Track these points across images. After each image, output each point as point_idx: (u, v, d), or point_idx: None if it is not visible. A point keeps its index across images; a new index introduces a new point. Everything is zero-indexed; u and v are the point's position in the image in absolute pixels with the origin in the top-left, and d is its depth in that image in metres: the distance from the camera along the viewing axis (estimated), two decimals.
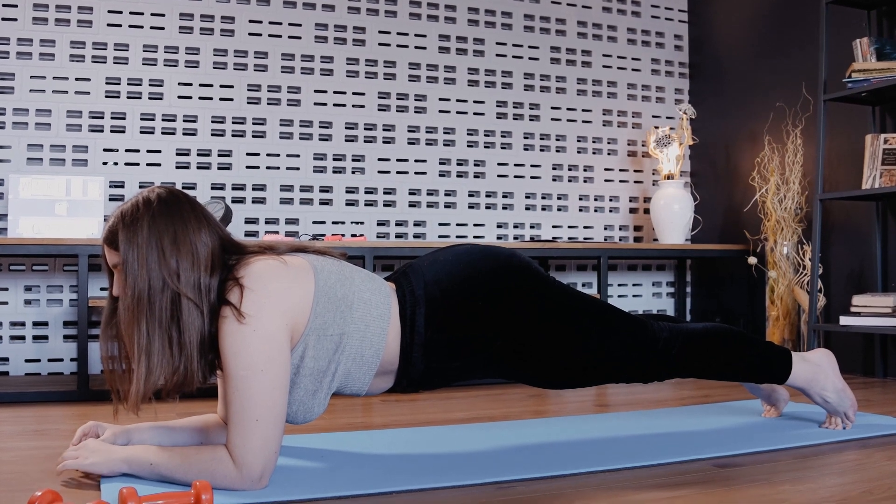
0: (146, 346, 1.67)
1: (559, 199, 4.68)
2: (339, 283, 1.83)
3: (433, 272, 1.96)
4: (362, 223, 4.28)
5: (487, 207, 4.53)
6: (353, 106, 4.29)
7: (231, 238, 1.83)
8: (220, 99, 4.06)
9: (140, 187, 3.91)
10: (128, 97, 3.92)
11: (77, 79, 3.84)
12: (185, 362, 1.70)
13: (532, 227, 4.62)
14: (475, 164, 4.51)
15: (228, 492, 1.66)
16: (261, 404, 1.66)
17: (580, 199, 4.73)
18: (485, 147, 4.54)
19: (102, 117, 3.87)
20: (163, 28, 3.98)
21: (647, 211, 4.87)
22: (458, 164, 4.48)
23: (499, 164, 4.56)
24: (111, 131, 3.88)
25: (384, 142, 4.34)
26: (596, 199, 4.77)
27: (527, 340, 1.98)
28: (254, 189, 4.10)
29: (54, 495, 1.50)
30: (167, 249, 1.70)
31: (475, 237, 4.48)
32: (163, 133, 3.97)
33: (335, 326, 1.80)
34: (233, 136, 4.08)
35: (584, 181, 4.75)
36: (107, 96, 3.89)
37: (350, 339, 1.82)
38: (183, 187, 3.98)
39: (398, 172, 4.36)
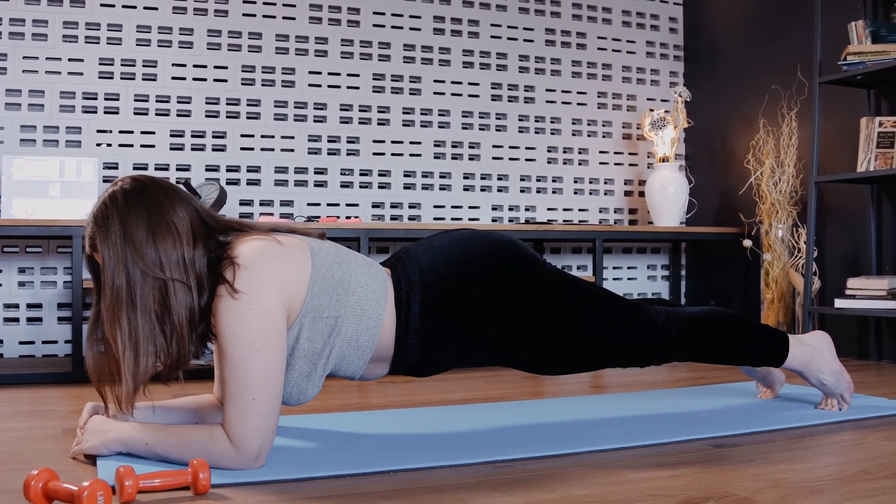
0: (132, 337, 1.66)
1: (554, 181, 4.68)
2: (336, 265, 1.83)
3: (429, 258, 1.95)
4: (357, 205, 4.27)
5: (482, 190, 4.52)
6: (348, 87, 4.27)
7: (208, 211, 1.82)
8: (215, 80, 4.04)
9: (134, 169, 3.89)
10: (121, 78, 3.90)
11: (70, 59, 3.82)
12: (176, 341, 1.70)
13: (527, 209, 4.61)
14: (470, 147, 4.50)
15: (226, 471, 1.66)
16: (257, 383, 1.66)
17: (575, 181, 4.73)
18: (480, 129, 4.53)
19: (96, 98, 3.85)
20: (156, 8, 3.95)
21: (642, 194, 4.87)
22: (453, 147, 4.47)
23: (494, 146, 4.55)
24: (105, 112, 3.86)
25: (379, 124, 4.33)
26: (591, 182, 4.76)
27: (523, 326, 1.97)
28: (248, 171, 4.09)
29: (51, 474, 1.49)
30: (142, 241, 1.68)
31: (470, 220, 4.48)
32: (157, 114, 3.95)
33: (331, 309, 1.79)
34: (227, 117, 4.06)
35: (579, 164, 4.74)
36: (100, 77, 3.86)
37: (346, 322, 1.82)
38: (177, 169, 3.96)
39: (393, 154, 4.35)
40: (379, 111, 4.33)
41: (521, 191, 4.61)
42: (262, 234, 1.80)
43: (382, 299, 1.87)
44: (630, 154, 4.87)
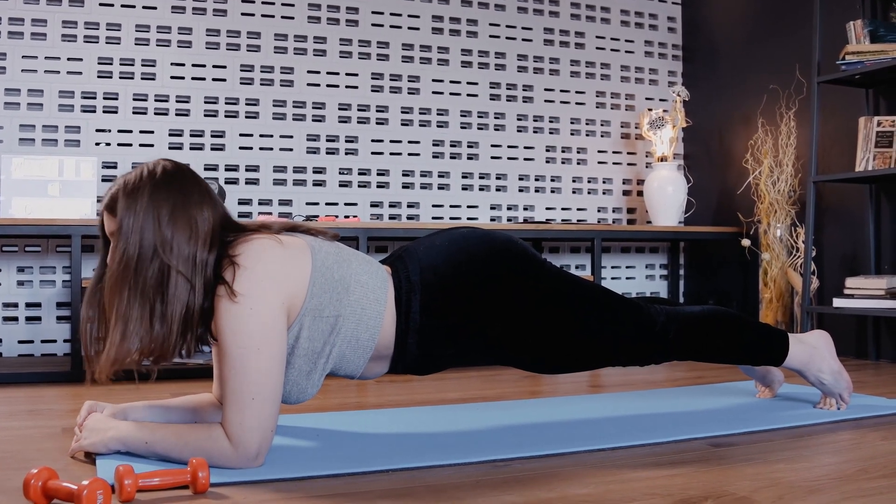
0: (124, 312, 1.67)
1: (552, 180, 4.68)
2: (336, 264, 1.83)
3: (429, 257, 1.95)
4: (356, 204, 4.27)
5: (481, 189, 4.52)
6: (347, 87, 4.27)
7: (231, 218, 1.83)
8: (213, 79, 4.04)
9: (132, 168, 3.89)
10: (120, 77, 3.90)
11: (69, 59, 3.81)
12: (163, 333, 1.70)
13: (525, 208, 4.62)
14: (468, 146, 4.50)
15: (225, 470, 1.66)
16: (257, 382, 1.66)
17: (573, 181, 4.73)
18: (478, 129, 4.53)
19: (95, 97, 3.85)
20: (155, 8, 3.95)
21: (640, 193, 4.87)
22: (451, 146, 4.47)
23: (492, 145, 4.55)
24: (103, 112, 3.86)
25: (377, 123, 4.33)
26: (589, 181, 4.77)
27: (523, 326, 1.97)
28: (247, 170, 4.08)
29: (50, 473, 1.49)
30: (164, 220, 1.69)
31: (469, 219, 4.48)
32: (155, 113, 3.95)
33: (331, 308, 1.79)
34: (226, 116, 4.06)
35: (578, 163, 4.74)
36: (99, 76, 3.86)
37: (346, 321, 1.81)
38: None
39: (391, 154, 4.35)
40: (377, 110, 4.33)
41: (520, 190, 4.61)
42: (263, 233, 1.80)
43: (382, 298, 1.87)
44: (628, 153, 4.87)
